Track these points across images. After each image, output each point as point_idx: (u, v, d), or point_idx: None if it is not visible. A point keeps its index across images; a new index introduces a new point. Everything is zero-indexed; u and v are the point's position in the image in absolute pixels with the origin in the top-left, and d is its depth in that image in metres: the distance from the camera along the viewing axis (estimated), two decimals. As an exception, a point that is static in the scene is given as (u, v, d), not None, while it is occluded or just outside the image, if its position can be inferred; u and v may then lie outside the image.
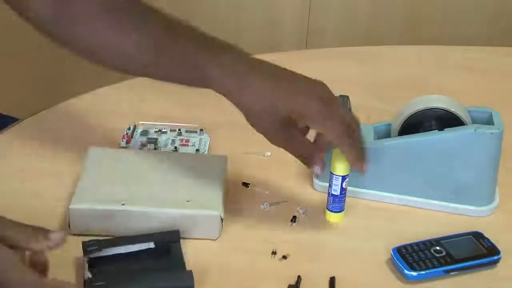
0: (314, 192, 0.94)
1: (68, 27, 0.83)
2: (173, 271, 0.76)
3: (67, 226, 0.82)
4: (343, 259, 0.83)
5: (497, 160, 0.89)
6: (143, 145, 0.99)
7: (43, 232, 0.69)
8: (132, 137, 1.00)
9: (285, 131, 0.82)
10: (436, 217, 0.90)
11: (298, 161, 0.98)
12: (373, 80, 1.25)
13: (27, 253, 0.70)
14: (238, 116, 1.11)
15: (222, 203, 0.84)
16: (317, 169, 0.84)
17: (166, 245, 0.79)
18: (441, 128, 0.89)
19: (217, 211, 0.83)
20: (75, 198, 0.83)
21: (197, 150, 0.99)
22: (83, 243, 0.77)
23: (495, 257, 0.82)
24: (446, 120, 0.90)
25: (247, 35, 2.00)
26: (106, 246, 0.77)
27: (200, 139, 1.01)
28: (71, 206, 0.82)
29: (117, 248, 0.78)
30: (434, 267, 0.79)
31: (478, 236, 0.84)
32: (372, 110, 1.06)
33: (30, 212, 0.86)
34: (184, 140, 1.00)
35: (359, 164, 0.83)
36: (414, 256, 0.80)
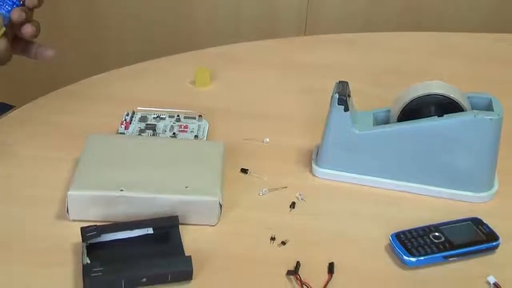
0: (313, 178, 0.94)
1: None
2: (172, 257, 0.76)
3: (66, 212, 0.82)
4: (342, 245, 0.83)
5: (497, 146, 0.89)
6: (141, 131, 0.99)
7: None
8: (130, 123, 1.00)
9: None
10: (435, 203, 0.90)
11: (298, 148, 0.99)
12: (372, 66, 1.25)
13: None
14: (236, 103, 1.11)
15: (221, 189, 0.84)
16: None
17: (165, 231, 0.79)
18: (440, 114, 0.89)
19: (216, 197, 0.82)
20: (74, 184, 0.83)
21: (196, 136, 0.98)
22: (82, 229, 0.77)
23: (494, 243, 0.82)
24: (445, 106, 0.90)
25: (246, 21, 1.99)
26: (105, 232, 0.77)
27: (199, 126, 1.01)
28: (70, 192, 0.81)
29: (115, 233, 0.78)
30: (433, 253, 0.79)
31: (477, 222, 0.84)
32: (371, 96, 1.06)
33: (29, 198, 0.86)
34: (182, 126, 1.00)
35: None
36: (413, 242, 0.80)
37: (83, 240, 0.77)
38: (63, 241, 0.80)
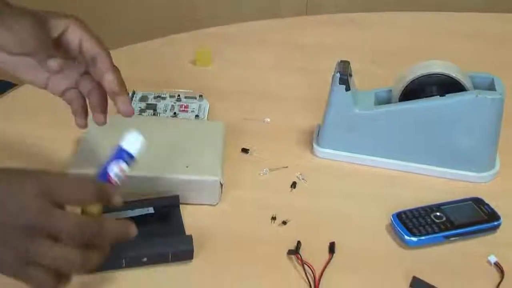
0: (314, 158, 0.93)
1: None
2: (173, 236, 0.76)
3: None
4: (342, 224, 0.83)
5: (498, 126, 0.89)
6: (141, 111, 0.98)
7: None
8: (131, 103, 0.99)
9: None
10: (437, 183, 0.90)
11: (299, 127, 0.98)
12: (373, 46, 1.24)
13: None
14: (237, 83, 1.11)
15: (222, 168, 0.84)
16: None
17: (166, 210, 0.79)
18: (442, 93, 0.88)
19: (217, 177, 0.82)
20: (75, 163, 0.82)
21: (197, 116, 0.98)
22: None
23: (495, 223, 0.82)
24: (447, 85, 0.89)
25: (248, 1, 1.98)
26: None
27: (200, 105, 1.00)
28: (71, 171, 0.81)
29: (116, 213, 0.77)
30: (434, 232, 0.79)
31: (478, 202, 0.84)
32: (373, 75, 1.06)
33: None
34: (183, 106, 1.00)
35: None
36: (414, 221, 0.80)
37: None
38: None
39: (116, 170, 0.70)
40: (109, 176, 0.70)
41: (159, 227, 0.78)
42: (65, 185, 0.65)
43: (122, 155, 0.71)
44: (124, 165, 0.70)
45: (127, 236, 0.67)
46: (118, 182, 0.70)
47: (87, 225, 0.64)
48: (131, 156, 0.71)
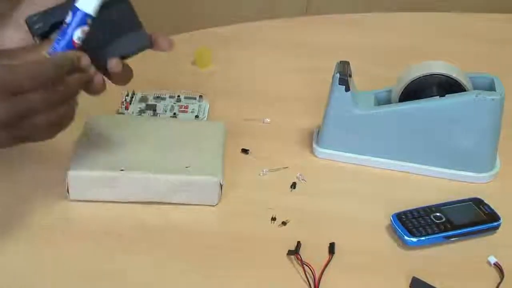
0: (314, 158, 0.93)
1: None
2: (127, 34, 0.76)
3: (66, 193, 0.82)
4: (342, 225, 0.83)
5: (498, 126, 0.89)
6: (141, 112, 0.98)
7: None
8: (130, 104, 1.00)
9: None
10: (436, 183, 0.90)
11: (298, 128, 0.98)
12: (373, 46, 1.24)
13: None
14: (237, 83, 1.11)
15: (222, 169, 0.84)
16: None
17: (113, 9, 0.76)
18: (442, 94, 0.88)
19: (217, 177, 0.82)
20: (74, 164, 0.82)
21: (196, 116, 0.98)
22: (27, 21, 0.73)
23: (495, 223, 0.82)
24: (447, 86, 0.89)
25: (248, 1, 1.98)
26: (50, 17, 0.73)
27: (199, 106, 1.00)
28: (70, 172, 0.81)
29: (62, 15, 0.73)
30: (434, 233, 0.79)
31: (478, 202, 0.84)
32: (373, 76, 1.06)
33: (30, 178, 0.86)
34: (183, 107, 1.00)
35: None
36: (414, 222, 0.80)
37: (32, 33, 0.73)
38: (63, 221, 0.80)
39: (79, 34, 0.71)
40: (74, 41, 0.71)
41: (111, 27, 0.76)
42: (20, 73, 0.66)
43: (83, 19, 0.71)
44: (86, 28, 0.71)
45: (80, 63, 0.71)
46: (80, 43, 0.71)
47: (39, 67, 0.67)
48: (90, 17, 0.71)
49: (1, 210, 0.81)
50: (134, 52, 0.77)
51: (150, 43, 0.77)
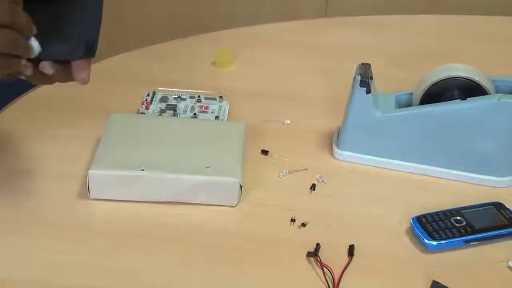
0: (334, 160, 0.93)
1: None
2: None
3: (86, 191, 0.82)
4: (362, 227, 0.82)
5: (520, 130, 0.88)
6: (162, 112, 0.99)
7: None
8: (151, 103, 1.00)
9: None
10: (457, 187, 0.90)
11: (318, 129, 0.98)
12: (394, 49, 1.24)
13: None
14: (257, 84, 1.11)
15: (241, 170, 0.84)
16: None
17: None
18: (463, 97, 0.88)
19: (237, 178, 0.82)
20: (95, 163, 0.83)
21: (217, 117, 0.98)
22: None
23: (516, 228, 0.81)
24: (469, 89, 0.89)
25: (267, 3, 1.98)
26: None
27: (220, 106, 1.00)
28: (91, 171, 0.82)
29: None
30: (454, 236, 0.79)
31: (499, 206, 0.84)
32: (394, 78, 1.05)
33: (52, 175, 0.87)
34: (203, 107, 1.00)
35: None
36: (434, 225, 0.80)
37: None
38: (83, 219, 0.81)
39: None
40: None
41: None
42: None
43: None
44: None
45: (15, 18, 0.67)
46: None
47: None
48: None
49: (22, 208, 0.82)
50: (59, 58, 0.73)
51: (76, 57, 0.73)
